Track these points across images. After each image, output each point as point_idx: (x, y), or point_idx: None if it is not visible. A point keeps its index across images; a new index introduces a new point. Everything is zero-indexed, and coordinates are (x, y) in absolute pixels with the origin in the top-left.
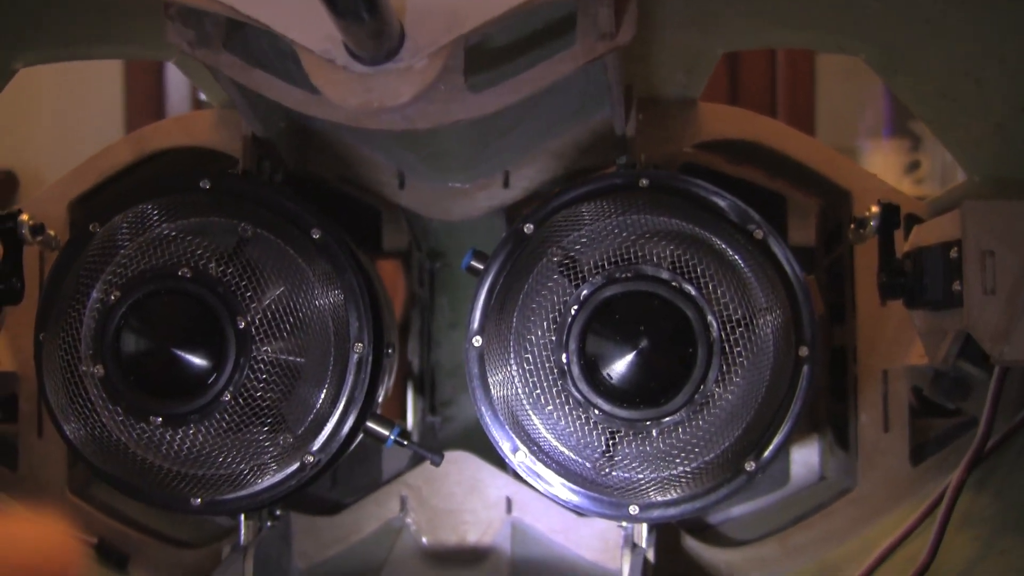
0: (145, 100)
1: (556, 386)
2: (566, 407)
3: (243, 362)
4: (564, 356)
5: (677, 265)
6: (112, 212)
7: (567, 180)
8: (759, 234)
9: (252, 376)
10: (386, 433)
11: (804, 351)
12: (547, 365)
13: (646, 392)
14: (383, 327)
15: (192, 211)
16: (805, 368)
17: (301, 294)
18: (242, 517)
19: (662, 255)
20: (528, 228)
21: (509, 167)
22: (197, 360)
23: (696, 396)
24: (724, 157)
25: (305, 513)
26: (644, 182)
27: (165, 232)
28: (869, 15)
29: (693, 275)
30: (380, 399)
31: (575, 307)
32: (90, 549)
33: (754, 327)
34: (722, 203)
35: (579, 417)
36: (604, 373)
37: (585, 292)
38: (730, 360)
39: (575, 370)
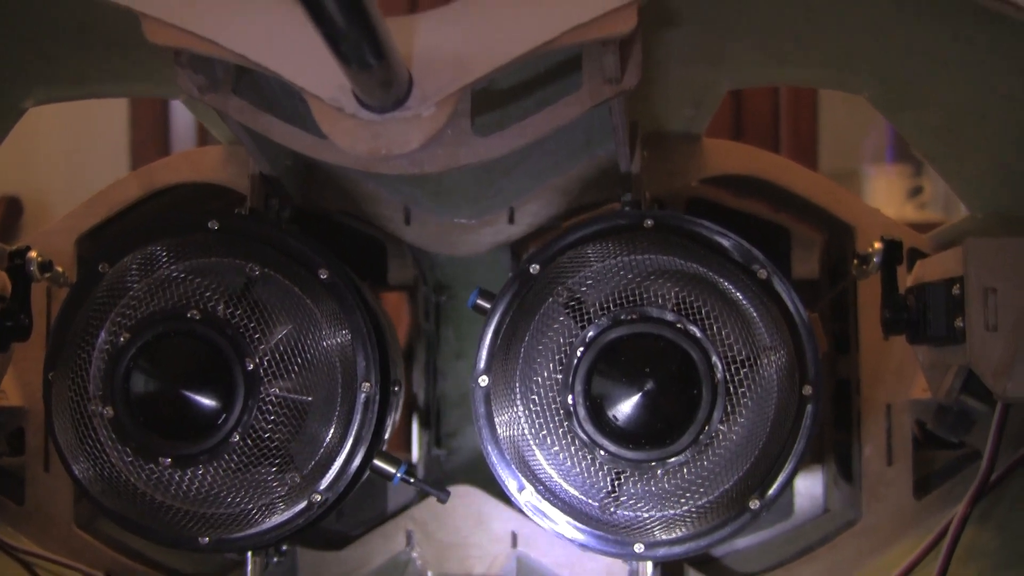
0: (151, 127)
1: (562, 427)
2: (572, 448)
3: (251, 403)
4: (570, 397)
5: (682, 306)
6: (121, 251)
7: (572, 215)
8: (763, 274)
9: (260, 416)
10: (392, 471)
11: (808, 390)
12: (553, 406)
13: (651, 433)
14: (389, 365)
15: (200, 252)
16: (809, 407)
17: (309, 334)
18: (249, 554)
19: (667, 296)
20: (534, 268)
21: (514, 203)
22: (206, 401)
23: (701, 436)
24: (729, 191)
25: (311, 547)
26: (649, 222)
27: (174, 273)
28: (871, 53)
29: (697, 316)
30: (387, 435)
31: (581, 349)
32: None
33: (758, 367)
34: (726, 243)
35: (584, 458)
36: (610, 414)
37: (591, 334)
38: (735, 400)
39: (581, 411)
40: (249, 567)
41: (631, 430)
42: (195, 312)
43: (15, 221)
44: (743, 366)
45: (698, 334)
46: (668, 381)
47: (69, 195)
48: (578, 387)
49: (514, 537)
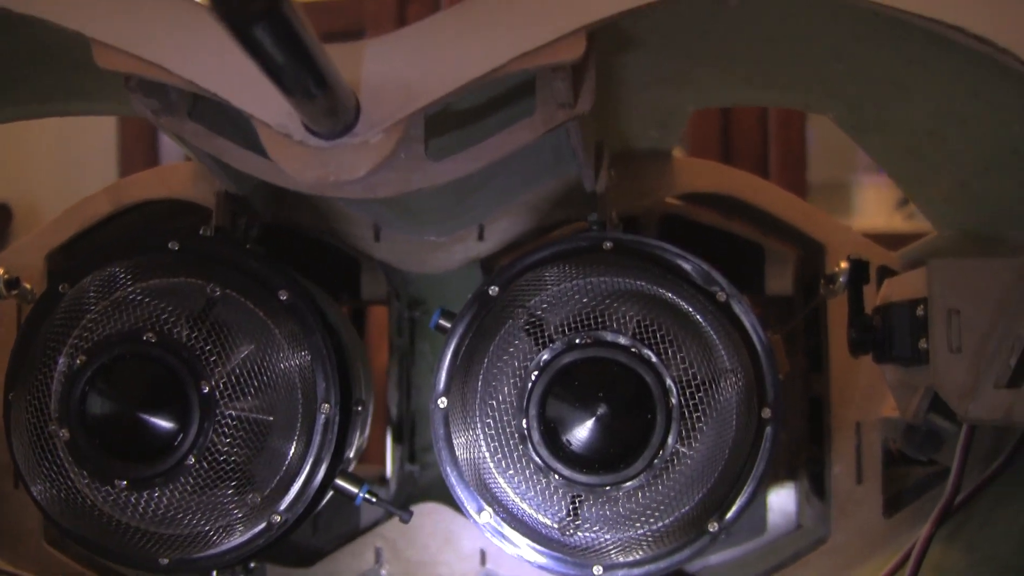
0: (140, 135)
1: (517, 450)
2: (527, 471)
3: (207, 425)
4: (524, 421)
5: (638, 329)
6: (81, 271)
7: (542, 232)
8: (722, 296)
9: (217, 439)
10: (355, 491)
11: (767, 413)
12: (508, 429)
13: (605, 457)
14: (351, 386)
15: (160, 272)
16: (768, 430)
17: (268, 355)
18: (214, 573)
19: (623, 319)
20: (493, 290)
21: (484, 220)
22: (161, 424)
23: (656, 461)
24: (704, 208)
25: (281, 564)
26: (608, 244)
27: (132, 295)
28: (834, 75)
29: (653, 340)
30: (352, 455)
31: (536, 372)
32: None
33: (715, 390)
34: (686, 265)
35: (540, 481)
36: (564, 438)
37: (545, 357)
38: (690, 424)
39: (535, 435)
40: None
41: (585, 454)
42: (151, 335)
43: (4, 228)
44: (699, 390)
45: (653, 358)
46: (621, 406)
47: (58, 202)
48: (532, 411)
49: (483, 555)
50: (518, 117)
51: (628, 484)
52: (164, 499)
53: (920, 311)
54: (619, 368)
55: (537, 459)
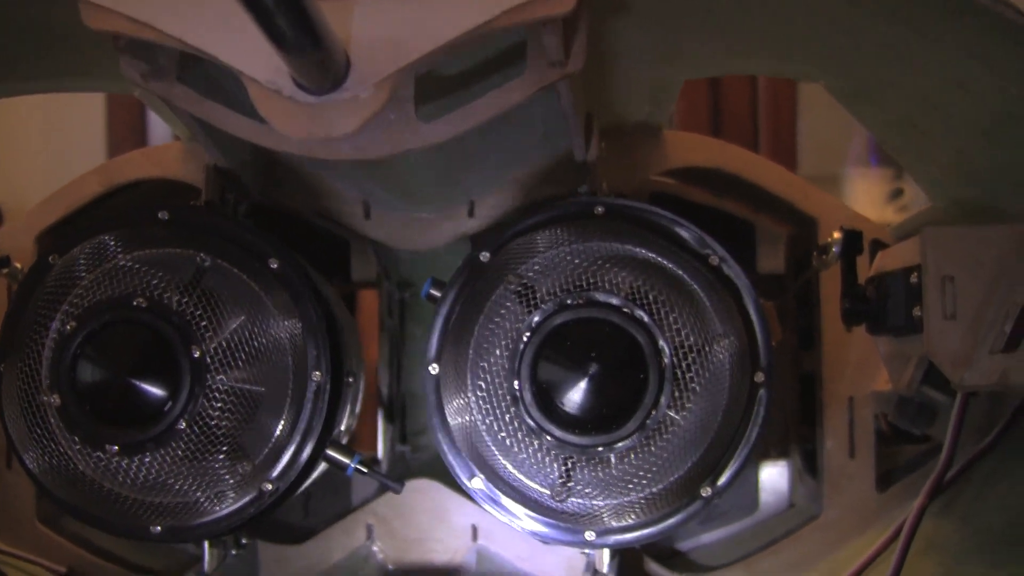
0: (128, 130)
1: (509, 412)
2: (519, 434)
3: (198, 391)
4: (516, 383)
5: (631, 292)
6: (71, 242)
7: (533, 208)
8: (715, 260)
9: (208, 405)
10: (347, 461)
11: (760, 377)
12: (500, 392)
13: (598, 418)
14: (342, 356)
15: (150, 242)
16: (761, 393)
17: (259, 323)
18: (206, 545)
19: (615, 282)
20: (484, 256)
21: (474, 197)
22: (152, 389)
23: (648, 422)
24: (693, 185)
25: (273, 541)
26: (600, 209)
27: (123, 263)
28: (827, 42)
29: (645, 301)
30: (343, 427)
31: (527, 334)
32: None
33: (708, 353)
34: (679, 230)
35: (532, 444)
36: (556, 400)
37: (536, 319)
38: (683, 386)
39: (527, 397)
40: (206, 559)
41: (577, 415)
42: (141, 300)
43: None
44: (692, 352)
45: (645, 319)
46: (614, 366)
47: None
48: (524, 372)
49: (474, 530)
50: (505, 82)
51: (620, 445)
52: (156, 465)
53: (914, 279)
54: (611, 328)
55: (530, 421)
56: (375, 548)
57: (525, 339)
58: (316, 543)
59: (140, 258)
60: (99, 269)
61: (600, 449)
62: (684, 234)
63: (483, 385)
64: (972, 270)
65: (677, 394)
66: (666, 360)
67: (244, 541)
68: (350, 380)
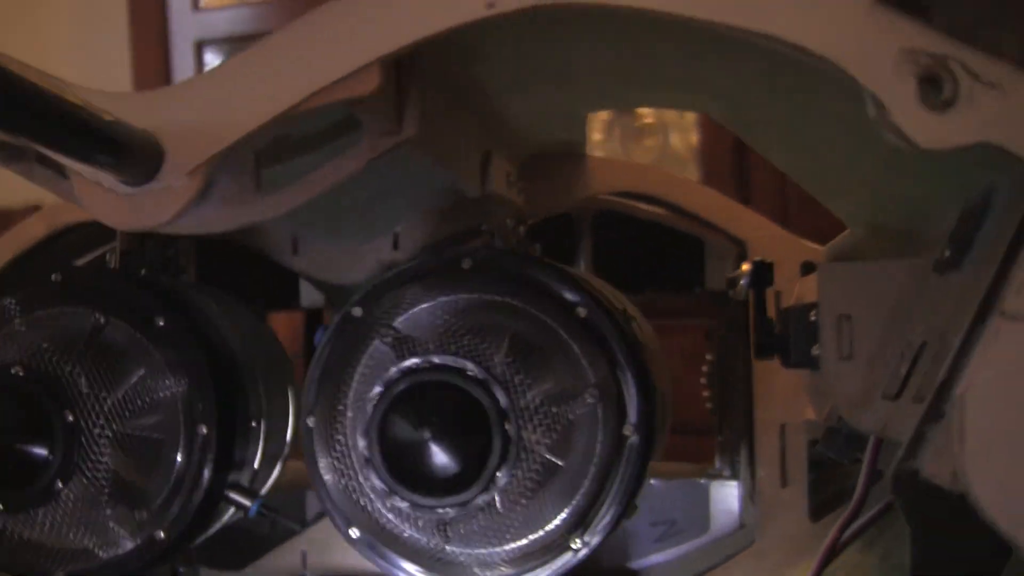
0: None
1: (361, 473)
2: (372, 494)
3: (73, 452)
4: (365, 444)
5: (488, 350)
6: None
7: (457, 238)
8: (582, 312)
9: (92, 461)
10: (248, 503)
11: (628, 431)
12: (353, 453)
13: (443, 481)
14: (244, 404)
15: (47, 303)
16: (629, 448)
17: (152, 378)
18: None
19: (471, 340)
20: (357, 311)
21: (397, 228)
22: (27, 452)
23: (497, 482)
24: (641, 201)
25: (212, 567)
26: (467, 263)
27: (17, 327)
28: (710, 79)
29: (498, 360)
30: (255, 467)
31: (377, 396)
32: None
33: (566, 411)
34: (549, 281)
35: (384, 503)
36: (404, 462)
37: (388, 379)
38: (531, 447)
39: (376, 459)
40: None
41: (424, 478)
42: (19, 368)
43: None
44: (545, 409)
45: (494, 381)
46: (456, 429)
47: None
48: (372, 435)
49: None
50: (352, 144)
51: (473, 505)
52: (46, 520)
53: (813, 316)
54: (454, 390)
55: (378, 482)
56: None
57: (374, 401)
58: (253, 569)
59: (36, 319)
60: (2, 332)
61: (450, 510)
62: (555, 285)
63: (339, 443)
64: (869, 308)
65: (524, 455)
66: (512, 422)
67: (181, 570)
68: (253, 425)
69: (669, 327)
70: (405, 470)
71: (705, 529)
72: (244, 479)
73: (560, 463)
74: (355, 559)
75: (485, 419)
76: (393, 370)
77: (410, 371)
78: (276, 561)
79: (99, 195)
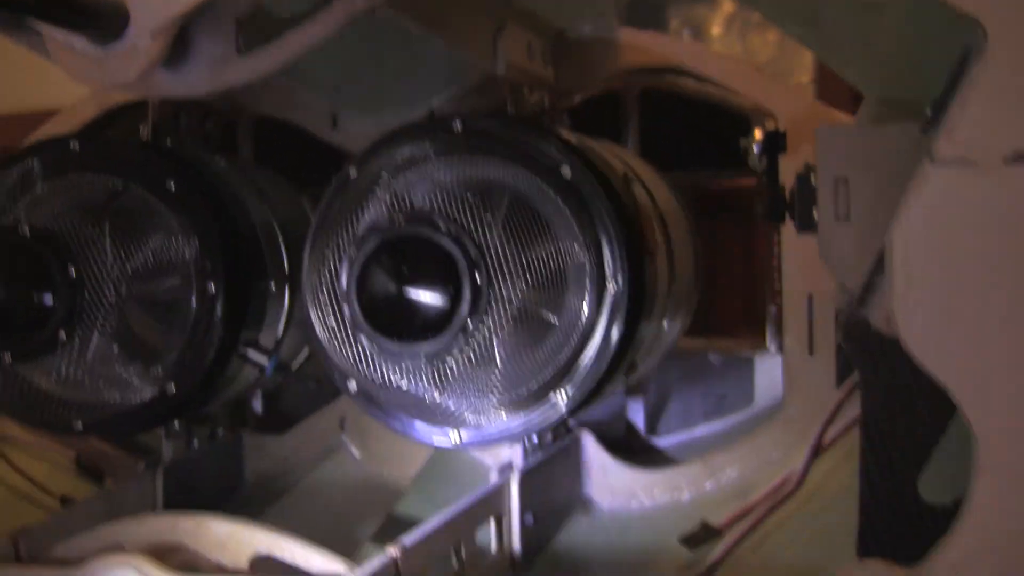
0: None
1: (352, 328)
2: (364, 347)
3: (78, 305)
4: (350, 294)
5: (468, 207)
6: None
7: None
8: (566, 172)
9: (102, 316)
10: (264, 362)
11: (611, 288)
12: (335, 302)
13: (418, 328)
14: (261, 266)
15: (68, 168)
16: (611, 303)
17: (166, 242)
18: (164, 437)
19: (459, 197)
20: (352, 172)
21: (433, 104)
22: (32, 302)
23: (471, 331)
24: (688, 78)
25: (257, 430)
26: (458, 125)
27: (40, 191)
28: None
29: (480, 216)
30: (279, 331)
31: (357, 249)
32: (70, 462)
33: (547, 265)
34: (536, 142)
35: (374, 350)
36: (383, 311)
37: (367, 234)
38: (509, 297)
39: (356, 308)
40: (164, 449)
41: (400, 325)
42: (25, 227)
43: None
44: (524, 263)
45: (466, 233)
46: (426, 278)
47: None
48: (353, 286)
49: None
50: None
51: (453, 352)
52: (57, 370)
53: (814, 179)
54: (429, 243)
55: (362, 330)
56: (345, 438)
57: (356, 253)
58: (295, 434)
59: (57, 186)
60: (26, 196)
61: (433, 355)
62: (538, 147)
63: (332, 301)
64: (865, 171)
65: (500, 306)
66: (483, 272)
67: (220, 431)
68: (273, 288)
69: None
70: (384, 319)
71: (750, 402)
72: (267, 341)
73: (542, 316)
74: None
75: (454, 271)
76: (371, 226)
77: (387, 227)
78: (316, 425)
79: (71, 56)
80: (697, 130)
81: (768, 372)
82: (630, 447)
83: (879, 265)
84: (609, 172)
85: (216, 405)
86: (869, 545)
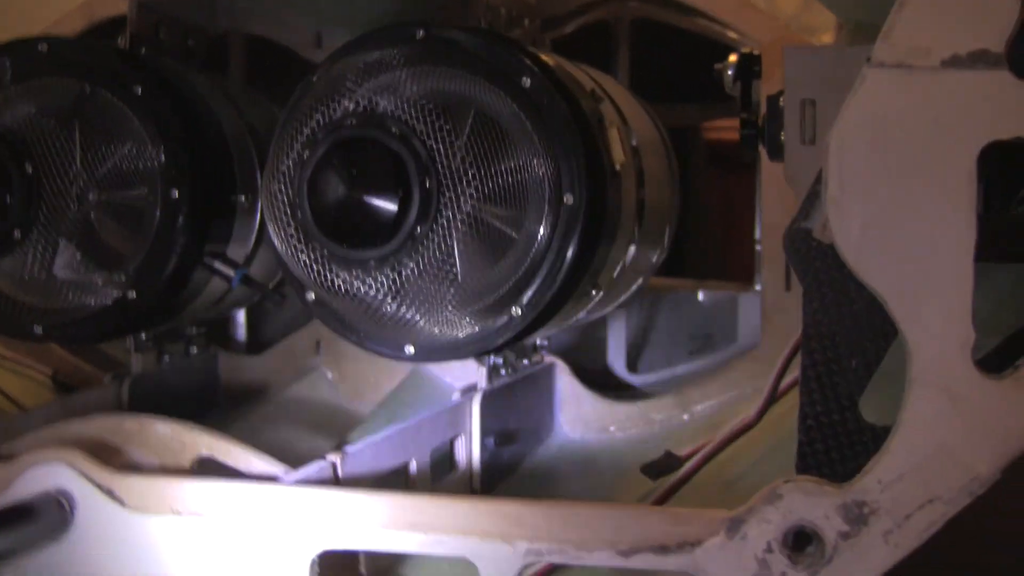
0: None
1: (305, 236)
2: (309, 248)
3: (33, 204)
4: (298, 197)
5: (425, 115)
6: None
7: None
8: (526, 82)
9: (63, 220)
10: (230, 273)
11: (568, 199)
12: (286, 201)
13: (368, 234)
14: (231, 178)
15: (37, 71)
16: (566, 216)
17: (132, 149)
18: (133, 349)
19: (418, 107)
20: (316, 77)
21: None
22: None
23: (420, 238)
24: (674, 11)
25: (231, 351)
26: (420, 33)
27: (10, 93)
28: None
29: (435, 122)
30: (248, 246)
31: (308, 152)
32: (47, 378)
33: (502, 176)
34: (497, 52)
35: (329, 259)
36: (332, 216)
37: (320, 136)
38: (462, 205)
39: (308, 212)
40: (133, 362)
41: (349, 230)
42: None
43: None
44: (478, 172)
45: (416, 137)
46: (375, 182)
47: None
48: (304, 189)
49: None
50: None
51: (404, 259)
52: (14, 271)
53: (782, 102)
54: (382, 148)
55: (313, 236)
56: (320, 359)
57: (306, 156)
58: (270, 355)
59: (27, 88)
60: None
61: (381, 261)
62: (497, 57)
63: (286, 210)
64: (831, 93)
65: (453, 214)
66: (433, 177)
67: (194, 350)
68: (242, 199)
69: None
70: (334, 224)
71: (734, 340)
72: (236, 255)
73: (501, 230)
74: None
75: (404, 176)
76: (320, 128)
77: (337, 128)
78: (292, 347)
79: None
80: (689, 63)
81: (752, 311)
82: (607, 384)
83: (821, 176)
84: (575, 88)
85: (188, 321)
86: (807, 462)
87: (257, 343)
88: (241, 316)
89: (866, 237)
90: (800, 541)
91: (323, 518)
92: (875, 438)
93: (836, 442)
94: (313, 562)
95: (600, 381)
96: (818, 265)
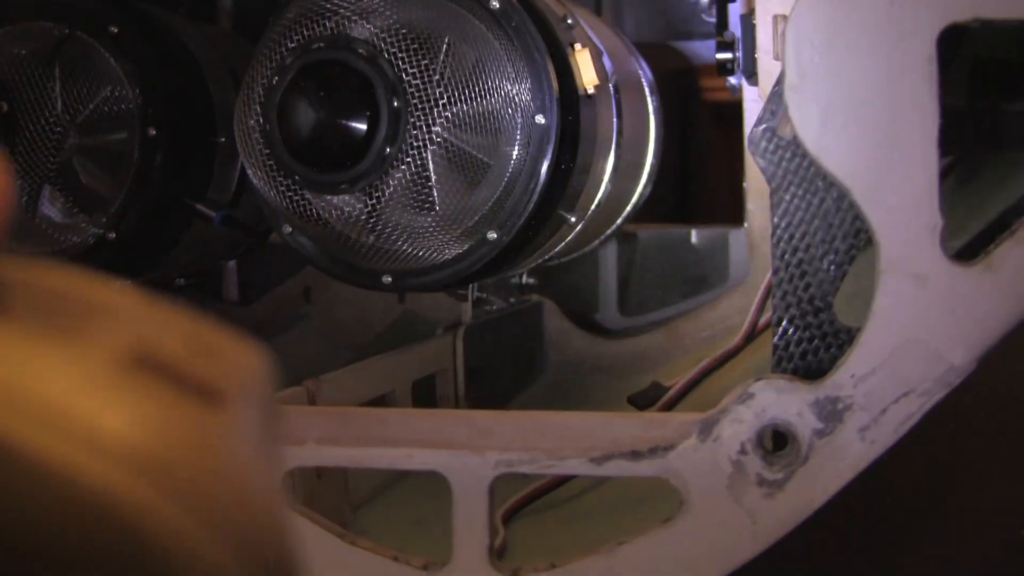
0: None
1: (268, 158)
2: (283, 176)
3: (14, 143)
4: (270, 126)
5: (386, 35)
6: None
7: None
8: (495, 5)
9: (44, 161)
10: (211, 214)
11: (540, 119)
12: (259, 138)
13: (337, 157)
14: (201, 118)
15: (18, 16)
16: (538, 141)
17: (110, 91)
18: None
19: (383, 28)
20: (288, 9)
21: None
22: None
23: (391, 160)
24: None
25: (223, 301)
26: None
27: None
28: None
29: (403, 43)
30: (233, 185)
31: (278, 78)
32: None
33: (472, 98)
34: None
35: (303, 187)
36: (304, 139)
37: (288, 59)
38: (431, 126)
39: (278, 137)
40: None
41: (319, 154)
42: None
43: None
44: (448, 94)
45: (384, 57)
46: (348, 106)
47: None
48: (271, 114)
49: None
50: None
51: (376, 182)
52: None
53: (754, 19)
54: (350, 69)
55: (286, 161)
56: (311, 308)
57: (275, 81)
58: (261, 304)
59: (4, 33)
60: None
61: (350, 184)
62: None
63: (254, 132)
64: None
65: (422, 135)
66: (402, 97)
67: (181, 281)
68: (222, 140)
69: None
70: (305, 147)
71: (725, 278)
72: (220, 198)
73: (475, 156)
74: (353, 290)
75: (372, 99)
76: (289, 54)
77: (305, 52)
78: (283, 295)
79: None
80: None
81: (743, 248)
82: (598, 324)
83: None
84: (546, 11)
85: (175, 270)
86: (783, 366)
87: (249, 298)
88: (233, 269)
89: (827, 124)
90: (776, 442)
91: (291, 436)
92: (851, 340)
93: (811, 344)
94: (283, 479)
95: (591, 325)
96: (784, 163)
